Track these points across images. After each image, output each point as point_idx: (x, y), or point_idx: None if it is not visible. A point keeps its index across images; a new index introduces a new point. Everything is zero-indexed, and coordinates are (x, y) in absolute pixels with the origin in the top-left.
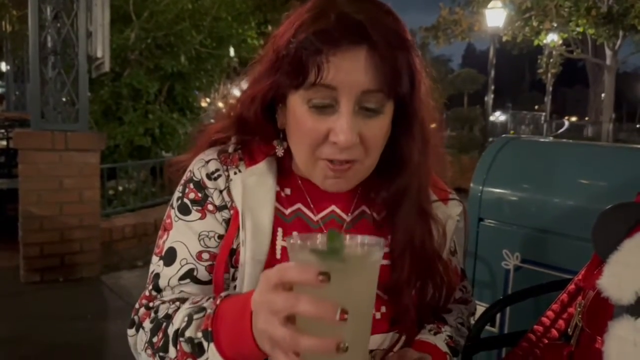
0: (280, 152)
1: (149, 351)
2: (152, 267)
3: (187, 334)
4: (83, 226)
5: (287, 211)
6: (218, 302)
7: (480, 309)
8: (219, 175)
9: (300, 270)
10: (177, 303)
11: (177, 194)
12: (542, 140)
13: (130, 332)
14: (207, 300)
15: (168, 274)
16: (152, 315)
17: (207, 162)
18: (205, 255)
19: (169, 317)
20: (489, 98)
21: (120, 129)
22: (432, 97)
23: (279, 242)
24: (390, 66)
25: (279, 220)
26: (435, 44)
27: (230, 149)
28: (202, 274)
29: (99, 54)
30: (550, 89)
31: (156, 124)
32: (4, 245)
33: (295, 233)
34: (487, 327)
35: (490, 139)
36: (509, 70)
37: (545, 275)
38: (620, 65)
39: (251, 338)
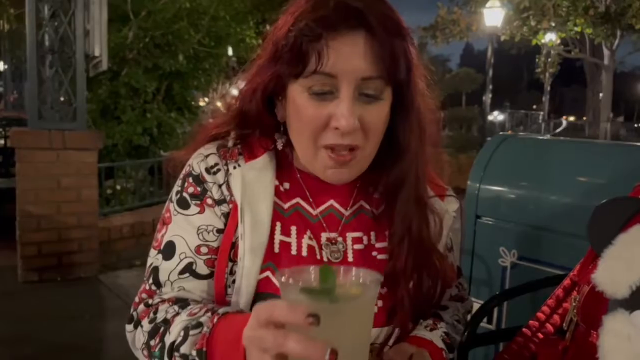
0: (280, 144)
1: (146, 352)
2: (150, 260)
3: (182, 350)
4: (81, 225)
5: (286, 205)
6: (215, 320)
7: (477, 306)
8: (218, 170)
9: (289, 311)
10: (176, 307)
11: (176, 188)
12: (538, 138)
13: (129, 327)
14: (205, 312)
15: (167, 268)
16: (151, 315)
17: (207, 156)
18: (204, 249)
19: (167, 323)
20: (487, 98)
21: (118, 128)
22: (428, 85)
23: (277, 237)
24: (389, 52)
25: (277, 214)
26: (433, 44)
27: (230, 144)
28: (201, 267)
29: (97, 53)
30: (548, 88)
31: (154, 123)
32: (2, 244)
33: (286, 269)
34: (484, 324)
35: (488, 139)
36: (507, 70)
37: (542, 272)
38: (618, 65)
39: None
